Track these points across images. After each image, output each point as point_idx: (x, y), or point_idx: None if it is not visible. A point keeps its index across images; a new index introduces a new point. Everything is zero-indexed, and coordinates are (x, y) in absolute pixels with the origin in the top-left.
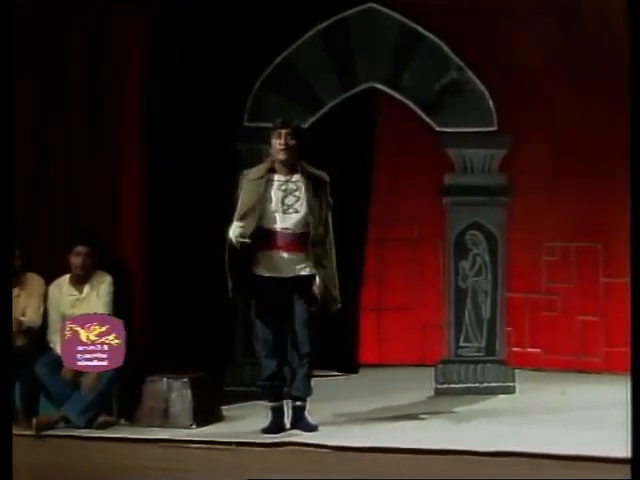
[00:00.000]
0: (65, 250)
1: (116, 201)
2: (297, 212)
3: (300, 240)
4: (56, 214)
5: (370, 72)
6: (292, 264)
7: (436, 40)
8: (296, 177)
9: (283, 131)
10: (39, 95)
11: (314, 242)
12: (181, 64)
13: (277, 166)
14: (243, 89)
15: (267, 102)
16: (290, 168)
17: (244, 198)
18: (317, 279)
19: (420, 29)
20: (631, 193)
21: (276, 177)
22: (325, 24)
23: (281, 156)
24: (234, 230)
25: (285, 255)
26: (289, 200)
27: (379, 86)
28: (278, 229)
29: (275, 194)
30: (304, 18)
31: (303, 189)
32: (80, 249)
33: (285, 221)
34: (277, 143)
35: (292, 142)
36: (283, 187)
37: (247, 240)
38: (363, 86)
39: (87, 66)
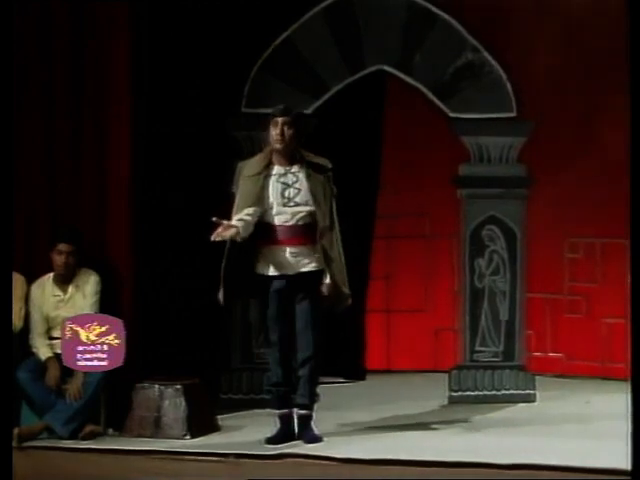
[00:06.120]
0: (47, 248)
1: (102, 195)
2: (298, 205)
3: (303, 233)
4: (37, 209)
5: (378, 54)
6: (295, 260)
7: (449, 19)
8: (295, 168)
9: (280, 119)
10: (19, 85)
11: (320, 235)
12: (173, 46)
13: (275, 156)
14: (241, 73)
15: (266, 87)
16: (289, 158)
17: (241, 198)
18: (327, 275)
19: (432, 7)
20: (631, 193)
21: (275, 169)
22: (329, 1)
23: (277, 146)
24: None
25: (287, 250)
26: (289, 193)
27: (388, 69)
28: (278, 223)
29: (274, 187)
30: None
31: (304, 180)
32: (63, 247)
33: (285, 215)
34: (274, 133)
35: (289, 132)
36: (282, 179)
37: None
38: (371, 69)
39: (71, 56)
